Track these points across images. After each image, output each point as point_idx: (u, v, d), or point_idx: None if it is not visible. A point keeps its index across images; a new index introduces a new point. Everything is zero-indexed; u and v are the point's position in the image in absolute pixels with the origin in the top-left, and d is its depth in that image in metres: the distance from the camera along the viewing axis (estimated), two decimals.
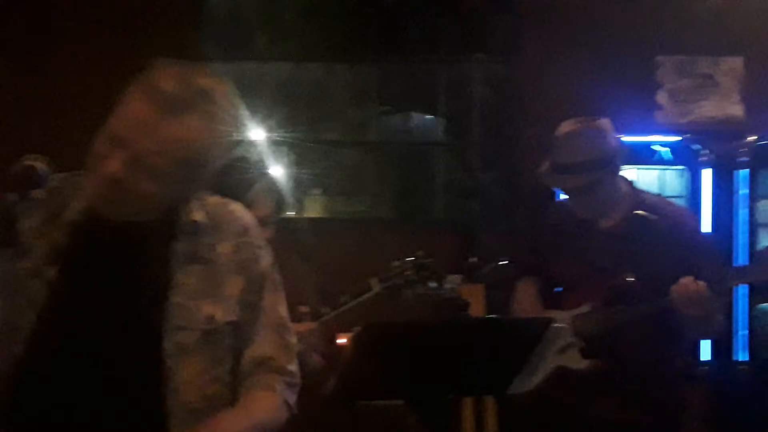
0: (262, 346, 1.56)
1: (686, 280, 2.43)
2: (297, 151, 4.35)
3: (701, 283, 2.41)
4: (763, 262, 2.43)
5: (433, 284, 2.40)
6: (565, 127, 2.67)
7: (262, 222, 2.44)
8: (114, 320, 1.45)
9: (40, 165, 1.40)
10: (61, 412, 1.44)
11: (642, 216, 2.66)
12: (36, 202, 1.45)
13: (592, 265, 2.69)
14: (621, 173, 2.71)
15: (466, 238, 3.88)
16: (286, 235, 2.57)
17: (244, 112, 1.52)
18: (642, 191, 2.82)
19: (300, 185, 4.33)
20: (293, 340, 1.63)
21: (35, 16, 3.99)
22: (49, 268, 1.45)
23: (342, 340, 2.96)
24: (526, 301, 2.82)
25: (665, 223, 2.66)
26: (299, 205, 4.33)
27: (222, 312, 1.50)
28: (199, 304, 1.49)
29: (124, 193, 1.41)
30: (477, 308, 3.39)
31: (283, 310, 1.62)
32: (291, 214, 4.31)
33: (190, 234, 1.51)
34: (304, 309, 2.37)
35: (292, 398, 1.60)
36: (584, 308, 2.69)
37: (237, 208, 1.60)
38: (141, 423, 1.46)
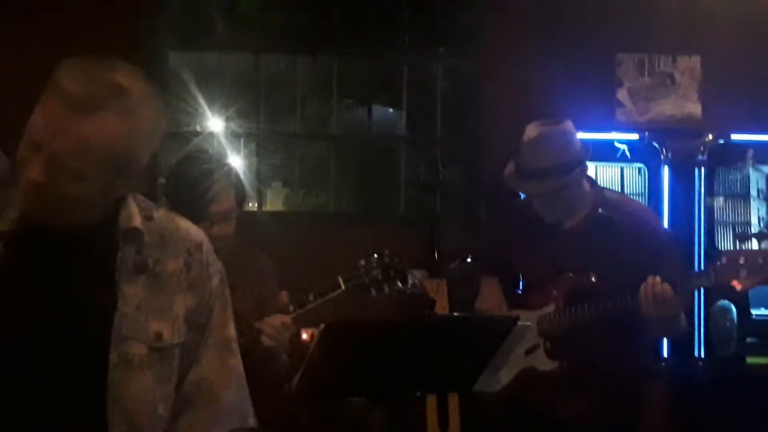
0: (204, 368, 1.54)
1: (652, 281, 2.45)
2: (257, 143, 4.30)
3: (666, 285, 2.44)
4: (723, 266, 2.47)
5: (400, 284, 2.39)
6: (531, 131, 2.64)
7: (226, 216, 2.40)
8: (59, 330, 1.42)
9: None
10: (2, 423, 1.40)
11: (604, 215, 2.67)
12: None
13: (555, 265, 2.70)
14: (582, 181, 2.71)
15: (428, 233, 3.88)
16: (247, 229, 2.53)
17: (164, 105, 1.46)
18: (604, 189, 2.84)
19: (260, 178, 4.28)
20: (235, 360, 1.60)
21: None
22: None
23: (304, 336, 2.94)
24: (490, 300, 2.83)
25: (627, 221, 2.67)
26: (259, 198, 4.29)
27: (169, 332, 1.48)
28: (147, 317, 1.45)
29: (50, 197, 1.38)
30: (440, 303, 3.40)
31: (230, 329, 1.59)
32: (251, 207, 4.27)
33: (133, 242, 1.47)
34: (284, 297, 2.34)
35: (240, 419, 1.59)
36: (548, 308, 2.69)
37: (186, 224, 1.57)
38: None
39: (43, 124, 1.36)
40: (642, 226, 2.67)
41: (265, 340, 2.27)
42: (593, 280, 2.63)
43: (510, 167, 2.71)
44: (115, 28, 3.79)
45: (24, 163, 1.38)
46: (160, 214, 1.53)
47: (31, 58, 3.77)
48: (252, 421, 1.62)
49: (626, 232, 2.64)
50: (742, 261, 2.42)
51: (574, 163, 2.60)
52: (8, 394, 1.40)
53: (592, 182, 2.77)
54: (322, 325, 1.95)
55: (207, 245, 1.56)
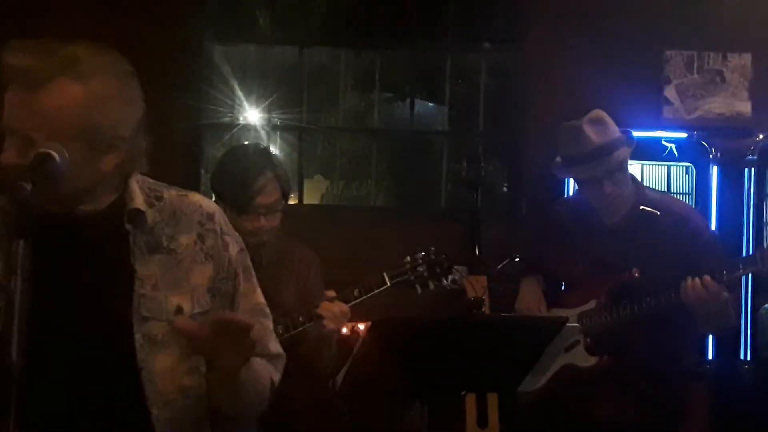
0: None
1: (692, 282, 2.43)
2: (299, 135, 4.31)
3: (707, 279, 2.42)
4: None
5: (444, 281, 2.38)
6: (566, 123, 2.73)
7: (272, 208, 2.41)
8: (82, 315, 1.45)
9: (56, 152, 1.35)
10: (40, 412, 1.41)
11: (646, 211, 2.68)
12: None
13: (597, 262, 2.70)
14: (628, 169, 2.73)
15: (469, 228, 3.86)
16: (287, 221, 2.54)
17: (129, 72, 1.46)
18: (646, 188, 2.84)
19: (301, 170, 4.29)
20: (270, 324, 1.63)
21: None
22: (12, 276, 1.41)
23: (344, 330, 2.94)
24: (530, 300, 2.82)
25: (669, 219, 2.67)
26: (300, 190, 4.30)
27: (190, 303, 1.50)
28: (165, 294, 1.48)
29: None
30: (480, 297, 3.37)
31: (259, 296, 1.62)
32: (291, 201, 4.28)
33: (140, 223, 1.50)
34: (331, 293, 2.35)
35: (276, 376, 1.61)
36: (589, 305, 2.69)
37: (198, 198, 1.59)
38: (124, 415, 1.46)
39: (6, 107, 1.39)
40: (685, 224, 2.67)
41: (329, 324, 2.28)
42: (636, 275, 2.62)
43: (557, 158, 2.73)
44: (159, 22, 3.81)
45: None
46: (171, 194, 1.56)
47: None
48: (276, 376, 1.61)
49: (669, 229, 2.64)
50: None
51: (613, 145, 2.63)
52: (50, 383, 1.42)
53: (634, 180, 2.79)
54: (370, 322, 1.96)
55: (220, 215, 1.58)
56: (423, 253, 2.40)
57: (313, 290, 2.48)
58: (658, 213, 2.66)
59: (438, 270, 2.39)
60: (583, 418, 2.67)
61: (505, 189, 4.37)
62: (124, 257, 1.48)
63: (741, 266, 2.56)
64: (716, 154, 3.59)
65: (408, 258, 2.40)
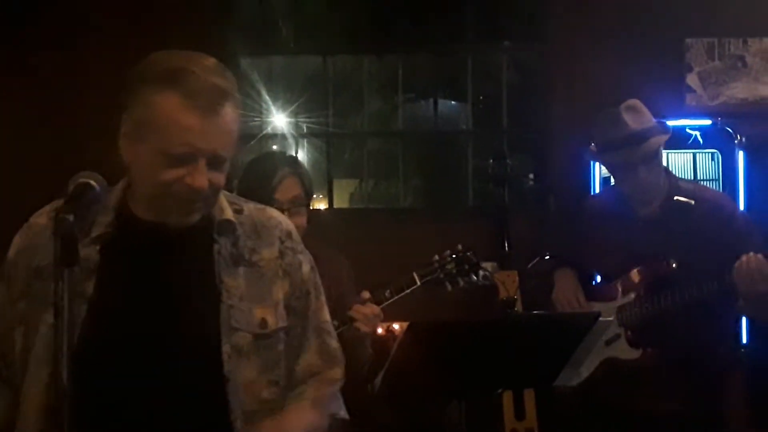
0: (310, 354, 1.59)
1: (747, 257, 2.44)
2: (327, 141, 4.37)
3: (760, 257, 2.43)
4: None
5: (474, 277, 2.41)
6: (602, 110, 2.74)
7: (294, 204, 2.44)
8: (170, 325, 1.46)
9: (95, 182, 1.36)
10: (123, 423, 1.44)
11: (680, 202, 2.68)
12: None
13: (633, 254, 2.70)
14: (661, 159, 2.74)
15: (498, 224, 3.90)
16: (317, 226, 2.59)
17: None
18: (679, 179, 2.84)
19: (330, 175, 4.35)
20: (335, 344, 1.65)
21: (61, 16, 4.01)
22: (86, 285, 1.45)
23: (379, 330, 2.97)
24: (567, 291, 2.82)
25: (704, 207, 2.67)
26: (329, 195, 4.36)
27: (273, 317, 1.52)
28: (250, 306, 1.50)
29: (206, 197, 1.45)
30: (511, 294, 3.41)
31: (325, 314, 1.64)
32: (321, 205, 4.35)
33: (228, 234, 1.52)
34: (366, 295, 2.39)
35: (338, 406, 1.64)
36: (628, 297, 2.70)
37: (276, 213, 1.62)
38: (209, 427, 1.48)
39: (187, 133, 1.40)
40: (719, 211, 2.68)
41: (361, 327, 2.32)
42: (673, 266, 2.63)
43: (594, 146, 2.76)
44: (187, 38, 3.87)
45: (173, 178, 1.41)
46: (249, 206, 1.59)
47: (104, 69, 3.90)
48: (343, 413, 1.66)
49: (704, 217, 2.64)
50: None
51: (650, 131, 2.66)
52: (136, 394, 1.44)
53: (667, 171, 2.79)
54: (406, 325, 1.99)
55: (295, 234, 1.61)
56: (450, 251, 2.43)
57: (346, 294, 2.52)
58: (693, 202, 2.67)
59: (466, 267, 2.41)
60: (625, 410, 2.68)
61: (531, 182, 4.40)
62: (210, 268, 1.49)
63: None
64: (741, 139, 3.59)
65: (436, 257, 2.42)
